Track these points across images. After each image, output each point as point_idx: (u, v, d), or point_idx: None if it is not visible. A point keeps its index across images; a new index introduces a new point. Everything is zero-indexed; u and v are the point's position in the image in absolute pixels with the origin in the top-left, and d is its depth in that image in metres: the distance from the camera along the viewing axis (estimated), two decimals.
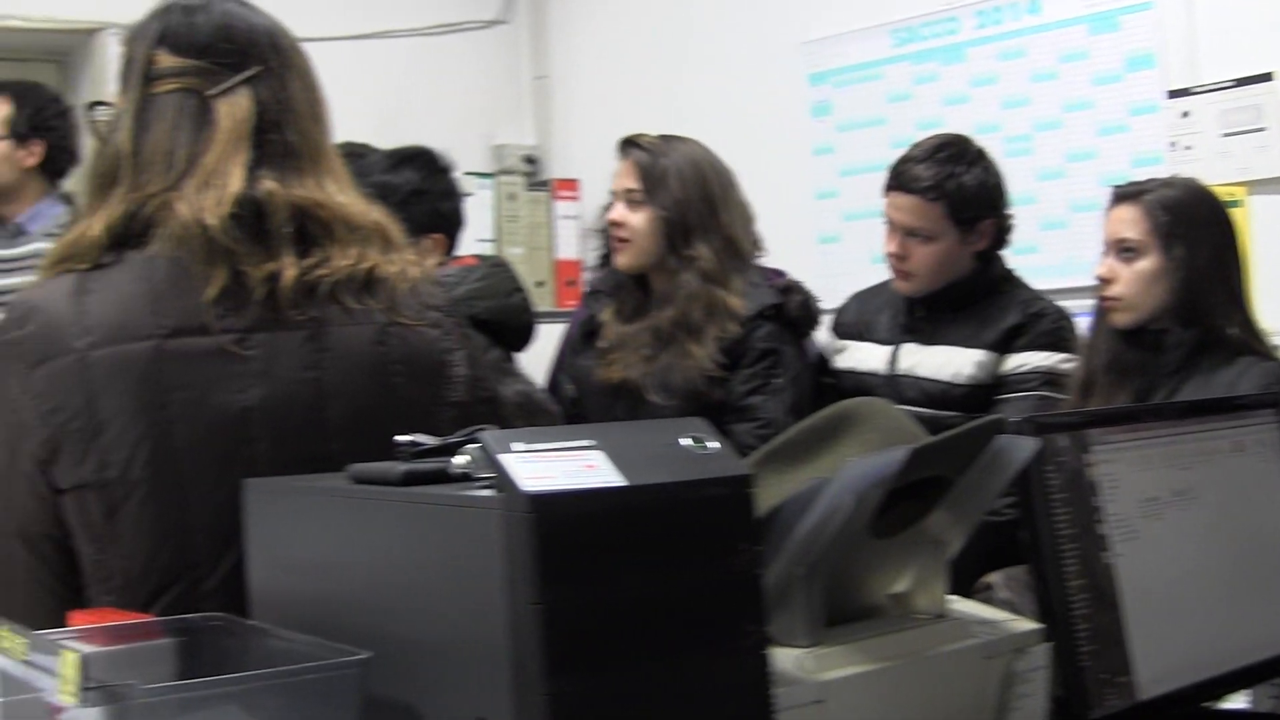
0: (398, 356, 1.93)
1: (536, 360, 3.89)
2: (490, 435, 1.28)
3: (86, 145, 4.61)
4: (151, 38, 1.98)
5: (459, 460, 1.36)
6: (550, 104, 6.30)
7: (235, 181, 1.88)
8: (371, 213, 1.99)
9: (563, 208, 6.06)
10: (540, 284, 5.71)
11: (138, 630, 1.62)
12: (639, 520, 1.26)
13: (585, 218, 5.88)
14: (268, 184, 1.90)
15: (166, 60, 1.96)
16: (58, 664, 1.24)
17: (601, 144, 5.42)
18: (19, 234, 4.37)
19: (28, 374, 1.85)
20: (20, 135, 4.37)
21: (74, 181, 4.69)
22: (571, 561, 1.22)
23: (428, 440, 1.50)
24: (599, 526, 1.24)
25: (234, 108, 1.94)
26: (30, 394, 1.84)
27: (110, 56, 5.56)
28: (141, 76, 1.97)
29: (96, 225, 1.89)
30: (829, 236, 5.44)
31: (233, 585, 1.76)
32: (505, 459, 1.23)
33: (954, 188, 3.63)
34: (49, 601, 1.90)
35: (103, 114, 2.04)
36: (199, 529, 1.83)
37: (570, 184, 6.07)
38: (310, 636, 1.41)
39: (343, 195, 1.97)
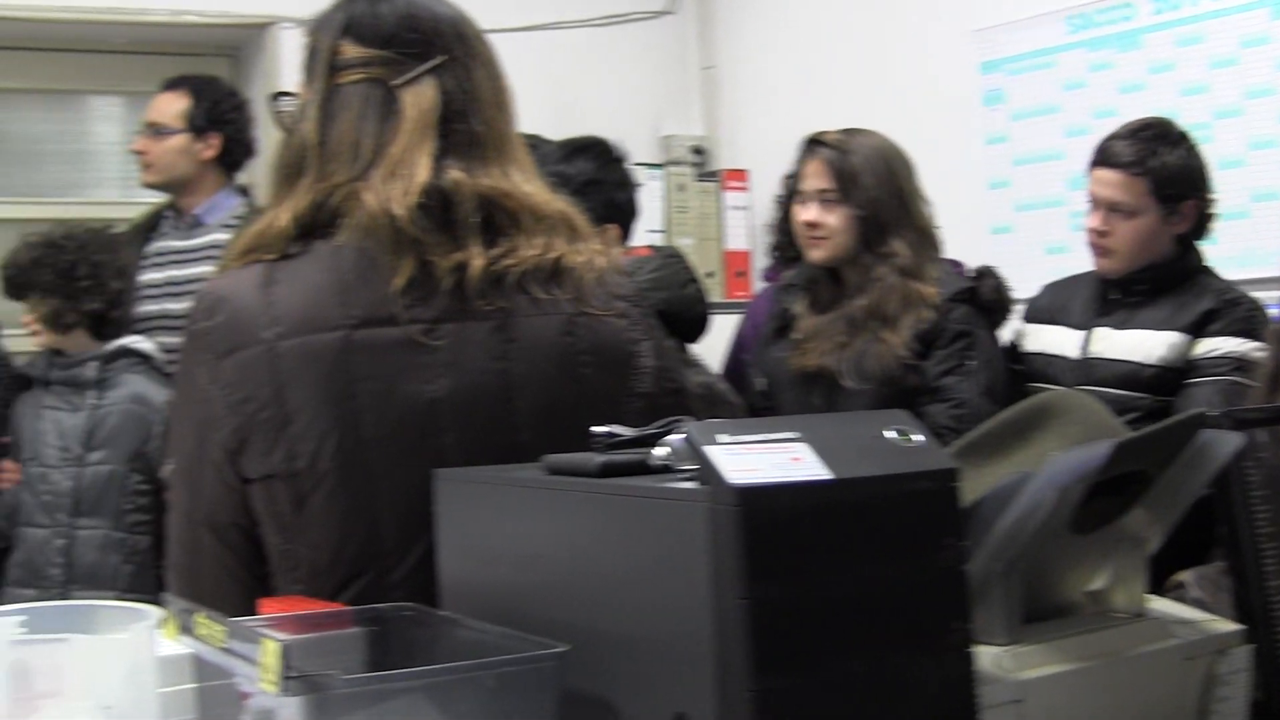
0: (585, 347, 1.91)
1: (706, 352, 3.87)
2: (695, 427, 1.26)
3: (263, 138, 4.69)
4: (336, 28, 1.98)
5: (659, 452, 1.34)
6: (718, 94, 6.28)
7: (422, 171, 1.87)
8: (557, 202, 1.97)
9: (732, 198, 6.03)
10: (710, 275, 5.69)
11: (328, 619, 1.62)
12: (845, 514, 1.24)
13: (754, 208, 5.85)
14: (454, 174, 1.89)
15: (352, 51, 1.96)
16: (258, 652, 1.23)
17: (770, 134, 5.40)
18: (196, 225, 4.42)
19: (216, 364, 1.86)
20: (198, 128, 4.42)
21: (250, 174, 4.76)
22: (778, 556, 1.20)
23: (624, 431, 1.48)
24: (806, 520, 1.21)
25: (419, 97, 1.93)
26: (219, 384, 1.85)
27: (282, 50, 5.64)
28: (327, 67, 1.97)
29: (284, 216, 1.90)
30: (1002, 227, 5.35)
31: (420, 576, 1.75)
32: (711, 451, 1.21)
33: (1158, 165, 3.64)
34: (235, 589, 1.91)
35: (287, 105, 2.04)
36: (387, 520, 1.83)
37: (739, 174, 6.05)
38: (502, 628, 1.39)
39: (528, 185, 1.96)
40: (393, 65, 1.94)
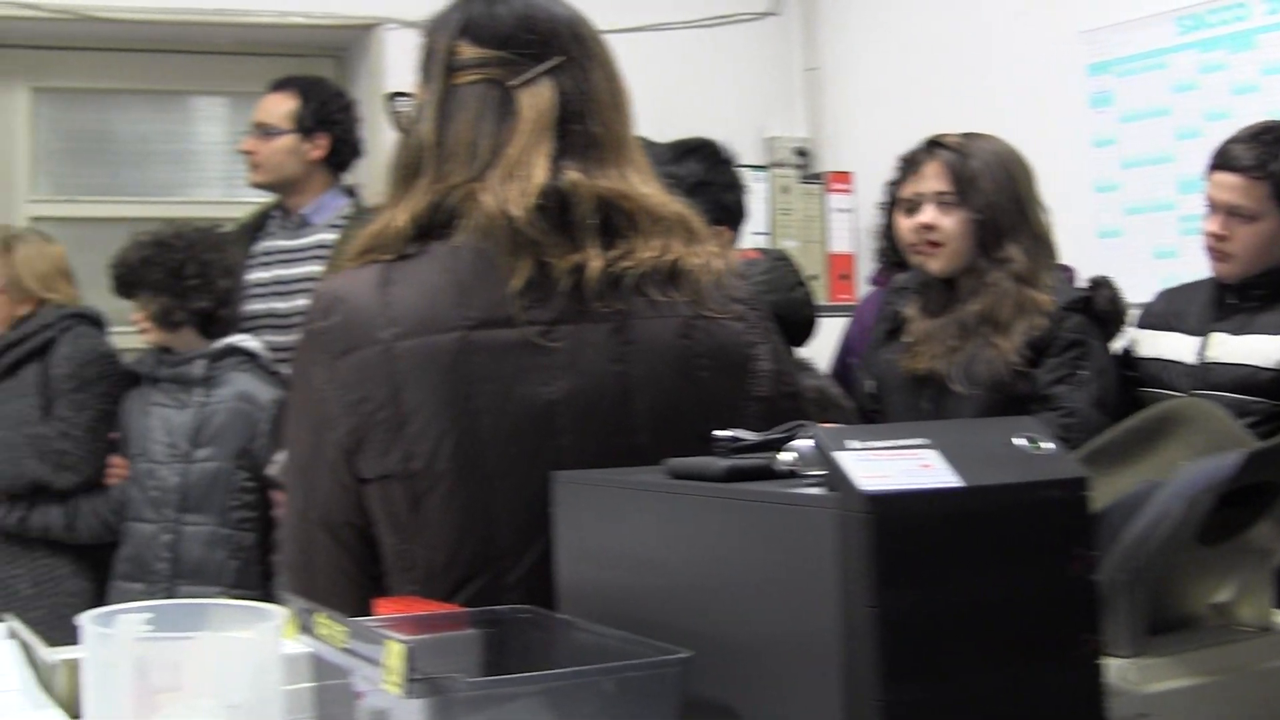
0: (703, 350, 1.90)
1: (812, 355, 3.85)
2: (824, 432, 1.24)
3: (369, 139, 4.71)
4: (453, 29, 1.98)
5: (785, 457, 1.32)
6: (822, 96, 6.25)
7: (539, 172, 1.87)
8: (673, 204, 1.96)
9: (836, 200, 6.00)
10: (813, 278, 5.65)
11: (445, 621, 1.62)
12: (976, 522, 1.22)
13: (859, 211, 5.82)
14: (572, 175, 1.88)
15: (468, 51, 1.96)
16: (381, 654, 1.23)
17: (874, 136, 5.37)
18: (304, 225, 4.45)
19: (333, 364, 1.86)
20: (306, 129, 4.44)
21: (357, 174, 4.78)
22: (908, 564, 1.18)
23: (748, 436, 1.47)
24: (936, 528, 1.20)
25: (537, 98, 1.93)
26: (335, 384, 1.86)
27: (387, 51, 5.66)
28: (444, 68, 1.97)
29: (401, 216, 1.90)
30: (1109, 231, 5.29)
31: (536, 579, 1.75)
32: (841, 457, 1.20)
33: (1278, 169, 3.59)
34: (349, 589, 1.91)
35: (403, 105, 2.04)
36: (504, 522, 1.82)
37: (844, 176, 6.01)
38: (623, 632, 1.39)
39: (646, 186, 1.95)
40: (510, 66, 1.94)
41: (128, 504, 4.15)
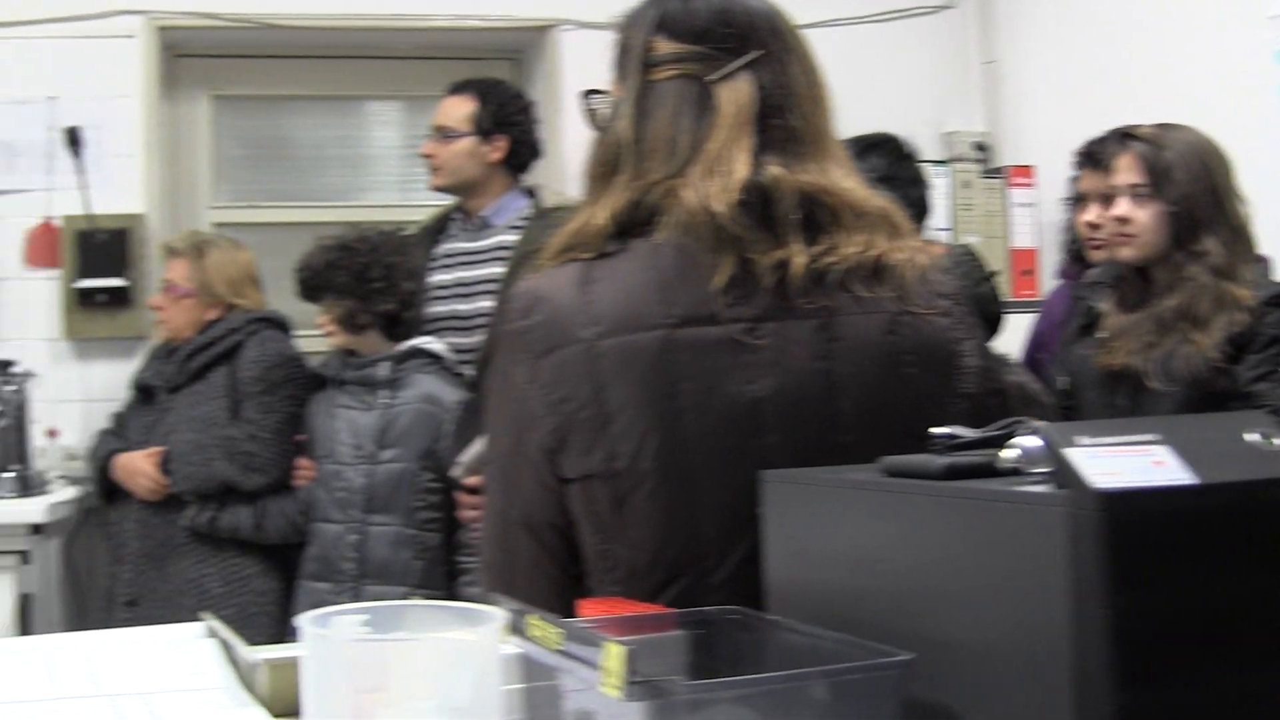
0: (909, 346, 1.87)
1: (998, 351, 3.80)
2: (1052, 428, 1.21)
3: (549, 140, 4.72)
4: (649, 24, 1.97)
5: (1008, 454, 1.29)
6: (1000, 89, 6.15)
7: (741, 168, 1.85)
8: (876, 199, 1.93)
9: (1017, 195, 5.91)
10: (996, 274, 5.58)
11: (651, 621, 1.60)
12: (1212, 521, 1.18)
13: (1041, 205, 5.73)
14: (773, 170, 1.86)
15: (665, 47, 1.95)
16: (598, 656, 1.22)
17: (1056, 129, 5.28)
18: (484, 227, 4.47)
19: (535, 363, 1.86)
20: (485, 131, 4.46)
21: (537, 175, 4.80)
22: (1143, 564, 1.14)
23: (966, 433, 1.44)
24: (1171, 527, 1.16)
25: (736, 93, 1.91)
26: (537, 383, 1.85)
27: (564, 52, 5.67)
28: (640, 64, 1.96)
29: (601, 214, 1.89)
30: None
31: (741, 579, 1.73)
32: (1071, 454, 1.16)
33: None
34: (549, 589, 1.91)
35: (599, 102, 2.03)
36: (708, 521, 1.80)
37: (1025, 170, 5.92)
38: (838, 634, 1.36)
39: (847, 181, 1.92)
40: (707, 61, 1.92)
41: (314, 505, 4.20)
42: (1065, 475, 1.17)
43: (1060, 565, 1.16)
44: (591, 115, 2.04)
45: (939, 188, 5.62)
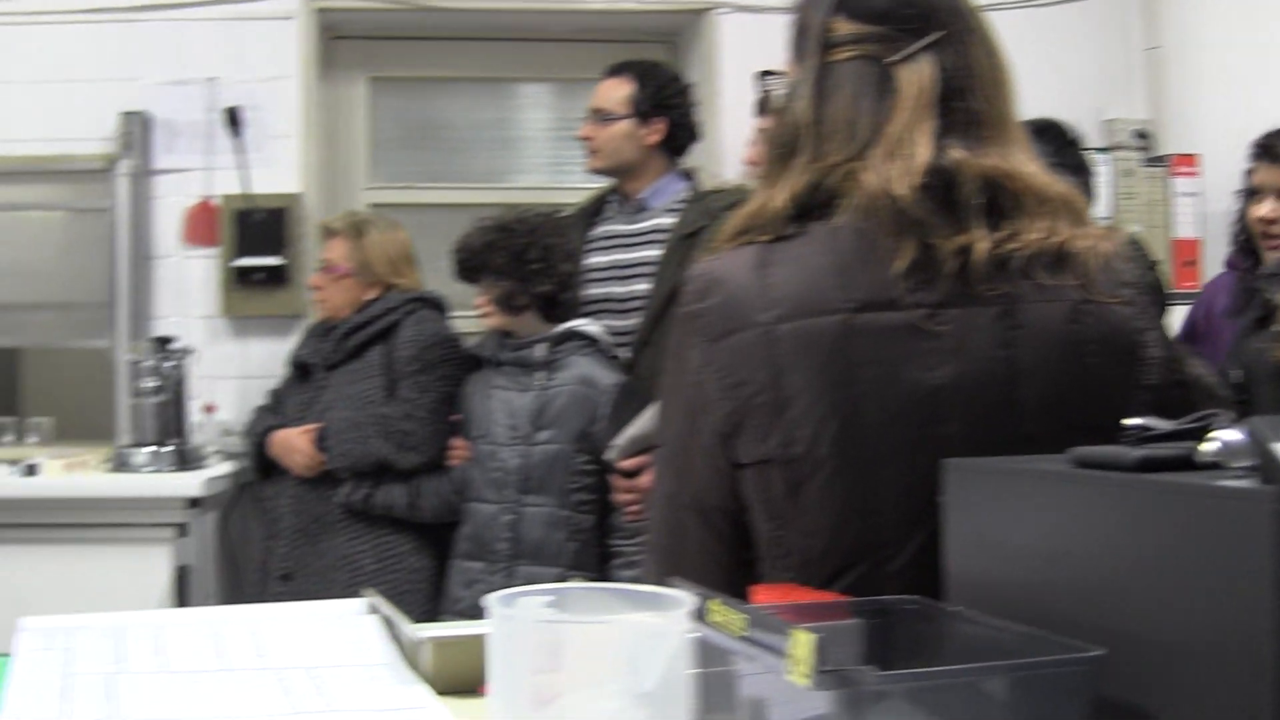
0: (1093, 335, 1.82)
1: None
2: (1260, 422, 1.17)
3: (706, 122, 4.70)
4: (828, 5, 1.94)
5: (1208, 447, 1.25)
6: (1164, 76, 6.03)
7: (922, 151, 1.82)
8: (1058, 184, 1.89)
9: (1181, 184, 5.80)
10: (1159, 262, 5.49)
11: (827, 610, 1.58)
12: None
13: (1205, 195, 5.62)
14: (955, 153, 1.83)
15: (845, 27, 1.92)
16: (786, 644, 1.20)
17: (1222, 117, 5.17)
18: (641, 210, 4.45)
19: (710, 347, 1.84)
20: (643, 114, 4.45)
21: (694, 157, 4.78)
22: None
23: (1160, 424, 1.40)
24: None
25: (917, 75, 1.87)
26: (713, 367, 1.83)
27: (720, 35, 5.65)
28: (819, 45, 1.93)
29: (779, 196, 1.86)
30: None
31: (918, 568, 1.70)
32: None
33: None
34: (717, 574, 1.89)
35: (775, 84, 2.01)
36: (886, 509, 1.78)
37: (1189, 159, 5.80)
38: (1024, 627, 1.33)
39: (1030, 165, 1.88)
40: (888, 42, 1.89)
41: (469, 484, 4.22)
42: (1272, 470, 1.13)
43: (1265, 563, 1.12)
44: (768, 98, 2.02)
45: (1101, 176, 5.53)
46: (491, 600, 1.24)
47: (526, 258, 4.13)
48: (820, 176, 1.85)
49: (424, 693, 1.97)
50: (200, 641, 2.23)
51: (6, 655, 2.15)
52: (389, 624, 2.28)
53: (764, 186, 1.91)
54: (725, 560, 1.90)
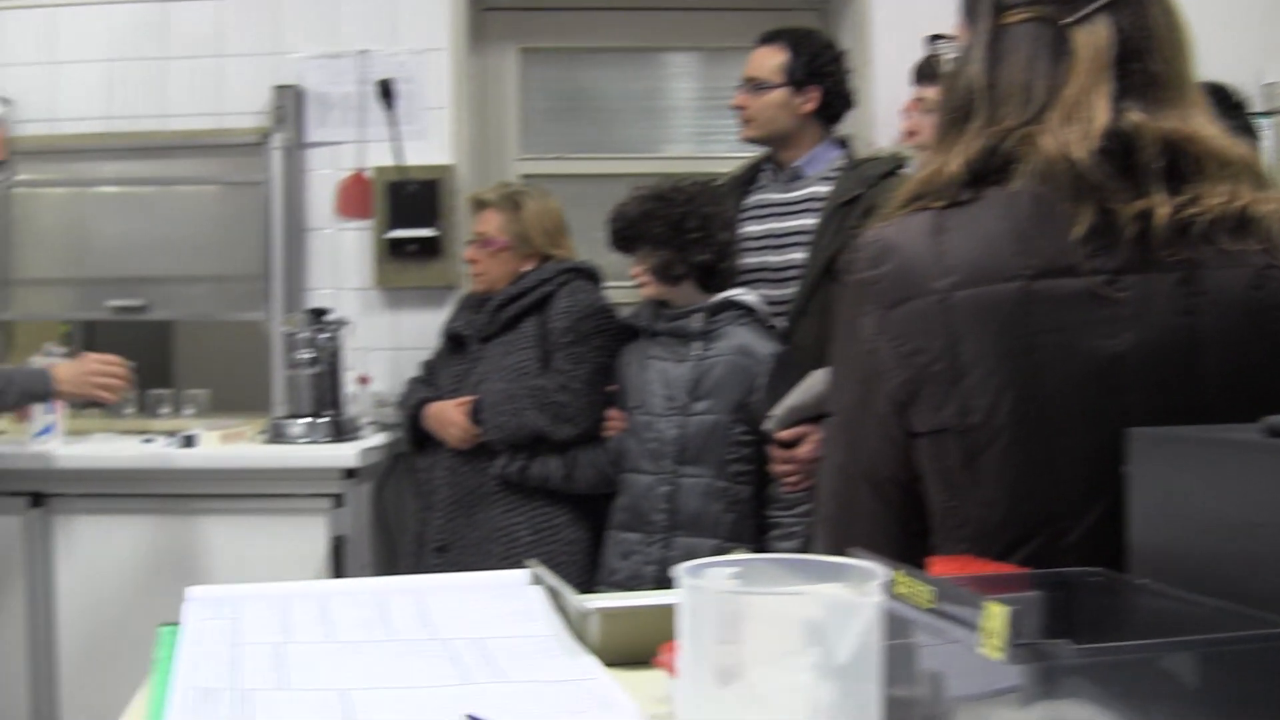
0: (1277, 302, 1.78)
1: None
2: None
3: (860, 90, 4.66)
4: None
5: None
6: None
7: (1100, 114, 1.78)
8: (1239, 147, 1.84)
9: None
10: None
11: (1006, 582, 1.56)
12: None
13: None
14: (1134, 116, 1.79)
15: None
16: (978, 616, 1.17)
17: None
18: (796, 178, 4.42)
19: (884, 314, 1.81)
20: (797, 82, 4.40)
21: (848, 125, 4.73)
22: None
23: None
24: None
25: (1093, 36, 1.83)
26: (887, 335, 1.81)
27: (872, 2, 5.59)
28: (992, 7, 1.90)
29: (954, 161, 1.83)
30: None
31: (1095, 540, 1.67)
32: None
33: None
34: (887, 546, 1.86)
35: (944, 49, 1.98)
36: (1065, 480, 1.74)
37: None
38: (1218, 601, 1.30)
39: (1210, 128, 1.84)
40: (1062, 3, 1.85)
41: (625, 455, 4.21)
42: None
43: None
44: (939, 62, 1.99)
45: (1264, 141, 5.42)
46: (680, 571, 1.23)
47: (684, 227, 4.10)
48: (996, 141, 1.82)
49: (593, 664, 1.97)
50: (366, 612, 2.24)
51: (175, 624, 2.18)
52: (554, 595, 2.28)
53: (937, 152, 1.88)
54: (896, 532, 1.88)
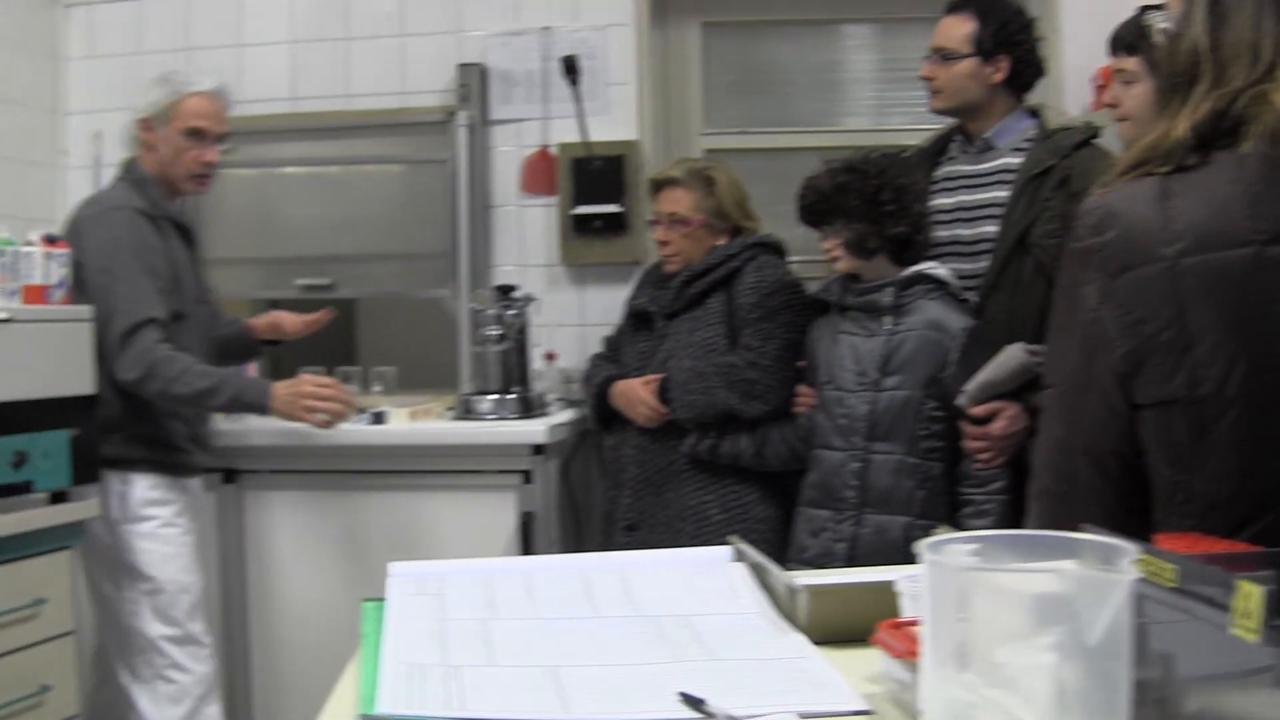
0: None
1: None
2: None
3: (1049, 58, 4.56)
4: None
5: None
6: None
7: None
8: None
9: None
10: None
11: (1239, 560, 1.50)
12: None
13: None
14: None
15: None
16: (1229, 596, 1.13)
17: None
18: (987, 149, 4.33)
19: (1109, 283, 1.77)
20: (986, 51, 4.31)
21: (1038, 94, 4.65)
22: None
23: None
24: None
25: None
26: (1112, 304, 1.76)
27: None
28: None
29: (1180, 126, 1.78)
30: None
31: None
32: None
33: None
34: (1107, 522, 1.79)
35: (1162, 17, 1.92)
36: None
37: None
38: None
39: None
40: None
41: (815, 431, 4.16)
42: None
43: None
44: (1155, 30, 1.93)
45: None
46: (922, 546, 1.19)
47: (879, 199, 4.04)
48: (1224, 103, 1.76)
49: (803, 642, 1.94)
50: (569, 588, 2.23)
51: (376, 599, 2.19)
52: (758, 571, 2.26)
53: (1163, 117, 1.83)
54: (1113, 506, 1.84)
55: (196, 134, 4.48)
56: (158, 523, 4.40)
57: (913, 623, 1.75)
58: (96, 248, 4.32)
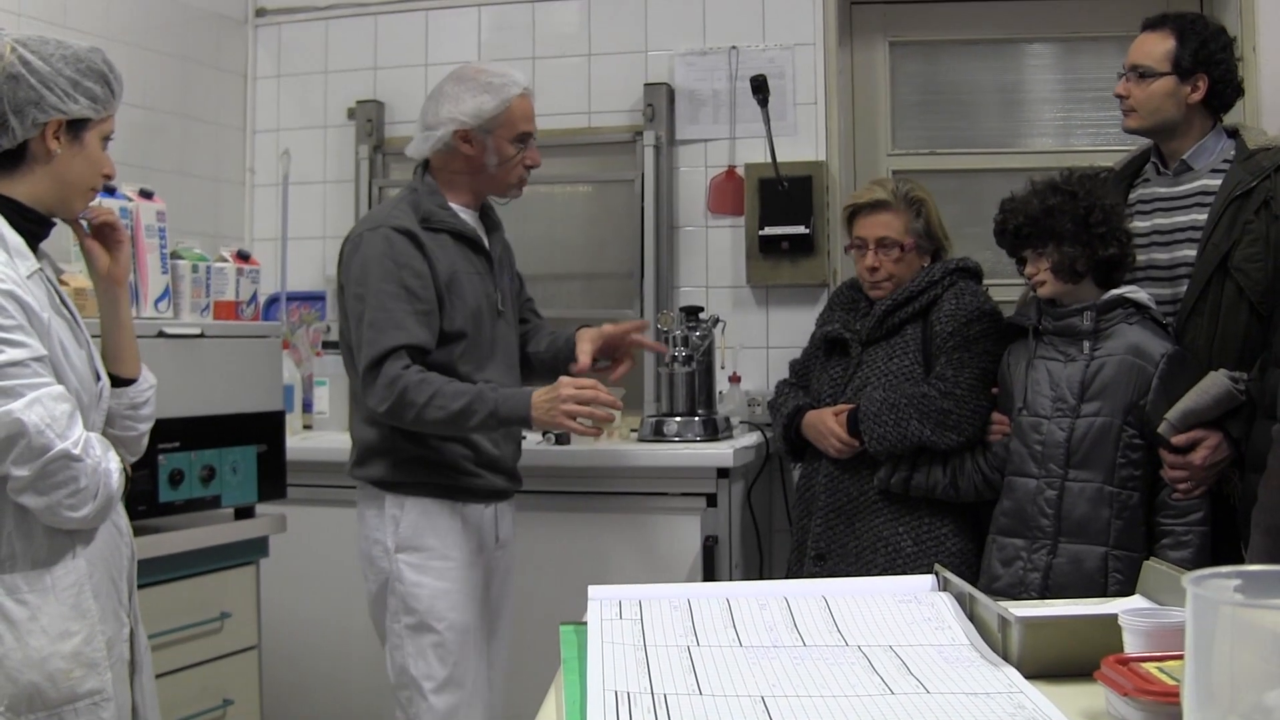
0: None
1: None
2: None
3: (1247, 77, 4.46)
4: None
5: None
6: None
7: None
8: None
9: None
10: None
11: None
12: None
13: None
14: None
15: None
16: None
17: None
18: (1184, 171, 4.24)
19: None
20: (1184, 70, 4.22)
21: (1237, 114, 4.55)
22: None
23: None
24: None
25: None
26: None
27: None
28: None
29: None
30: None
31: None
32: None
33: None
34: None
35: None
36: None
37: None
38: None
39: None
40: None
41: (1010, 458, 4.09)
42: None
43: None
44: None
45: None
46: (1187, 580, 1.15)
47: (1090, 221, 3.94)
48: None
49: (1012, 675, 1.91)
50: (771, 615, 2.21)
51: (578, 623, 2.18)
52: (965, 601, 2.23)
53: None
54: None
55: (525, 137, 4.24)
56: (430, 554, 4.13)
57: (1141, 659, 1.71)
58: (351, 273, 4.07)
